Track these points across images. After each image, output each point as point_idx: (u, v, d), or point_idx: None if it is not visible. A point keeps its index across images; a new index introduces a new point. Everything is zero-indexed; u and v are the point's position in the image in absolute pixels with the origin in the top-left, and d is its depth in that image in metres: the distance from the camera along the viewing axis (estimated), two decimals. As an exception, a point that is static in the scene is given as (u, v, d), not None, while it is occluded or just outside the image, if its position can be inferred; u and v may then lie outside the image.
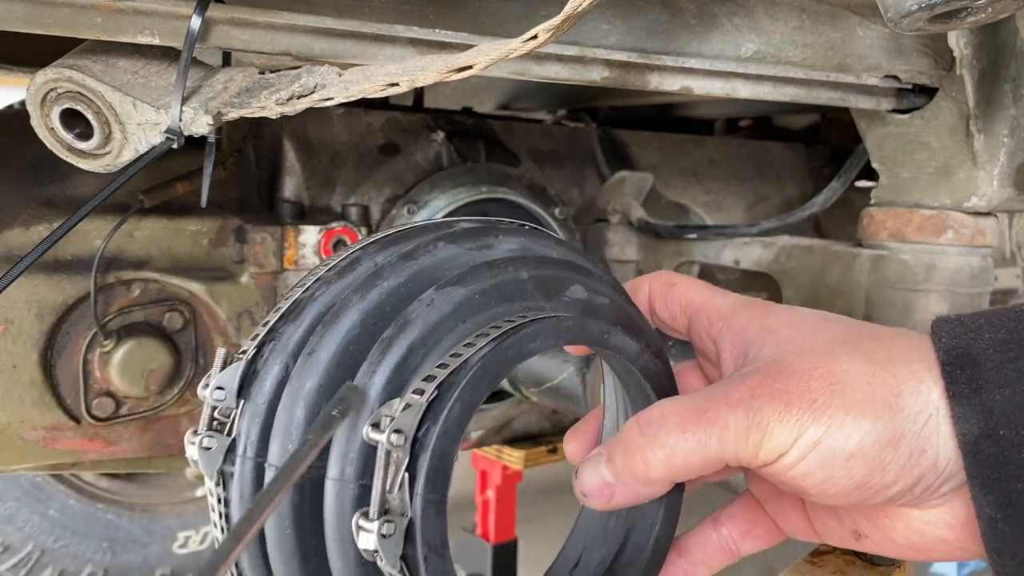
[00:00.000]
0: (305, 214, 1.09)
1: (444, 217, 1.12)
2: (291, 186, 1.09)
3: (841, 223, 1.60)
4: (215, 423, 0.43)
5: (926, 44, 0.91)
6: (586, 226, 1.32)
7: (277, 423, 0.41)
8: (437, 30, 0.68)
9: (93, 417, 0.94)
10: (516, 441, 1.36)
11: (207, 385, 0.43)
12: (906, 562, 0.75)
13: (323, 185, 1.11)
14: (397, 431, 0.38)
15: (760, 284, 1.43)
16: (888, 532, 0.47)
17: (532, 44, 0.54)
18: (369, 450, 0.39)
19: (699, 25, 0.81)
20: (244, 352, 0.44)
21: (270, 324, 0.45)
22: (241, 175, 1.06)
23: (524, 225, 0.51)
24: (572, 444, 0.56)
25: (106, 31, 0.59)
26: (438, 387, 0.40)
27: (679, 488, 0.52)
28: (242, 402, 0.43)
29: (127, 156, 0.66)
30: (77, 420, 0.94)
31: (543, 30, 0.53)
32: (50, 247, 0.67)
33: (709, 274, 1.35)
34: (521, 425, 1.33)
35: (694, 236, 1.20)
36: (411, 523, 0.38)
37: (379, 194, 1.14)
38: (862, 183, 1.33)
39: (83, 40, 0.66)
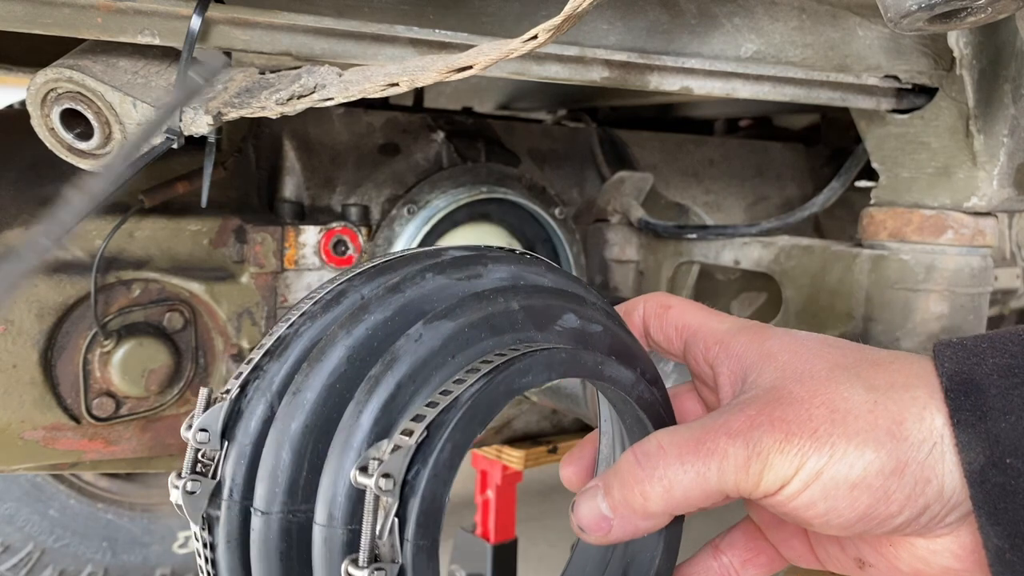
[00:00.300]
0: (305, 214, 1.09)
1: (444, 216, 1.13)
2: (291, 186, 1.09)
3: (841, 223, 1.60)
4: (199, 465, 0.42)
5: (926, 44, 0.91)
6: (586, 226, 1.32)
7: (263, 465, 0.40)
8: (437, 30, 0.68)
9: (93, 417, 0.94)
10: (516, 441, 1.36)
11: (190, 427, 0.42)
12: None
13: (323, 185, 1.11)
14: (386, 475, 0.37)
15: (760, 284, 1.43)
16: (892, 560, 0.46)
17: (532, 44, 0.54)
18: (357, 494, 0.38)
19: (699, 25, 0.81)
20: (227, 391, 0.43)
21: (254, 362, 0.43)
22: (241, 175, 1.06)
23: (514, 251, 0.50)
24: (568, 470, 0.55)
25: (106, 31, 0.59)
26: (428, 427, 0.38)
27: (679, 520, 0.50)
28: (226, 444, 0.41)
29: (127, 156, 0.66)
30: (77, 420, 0.94)
31: (543, 30, 0.53)
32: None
33: (709, 274, 1.35)
34: (521, 425, 1.33)
35: (694, 236, 1.20)
36: (402, 570, 0.37)
37: (379, 194, 1.14)
38: (862, 183, 1.33)
39: (83, 40, 0.66)
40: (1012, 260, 1.66)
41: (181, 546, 1.88)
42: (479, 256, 0.47)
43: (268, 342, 0.44)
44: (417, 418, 0.39)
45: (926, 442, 0.41)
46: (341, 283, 0.46)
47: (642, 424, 0.49)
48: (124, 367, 0.94)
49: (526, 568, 1.98)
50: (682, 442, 0.43)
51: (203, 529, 0.41)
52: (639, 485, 0.43)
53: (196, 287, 0.98)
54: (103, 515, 1.84)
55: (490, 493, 1.81)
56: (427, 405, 0.39)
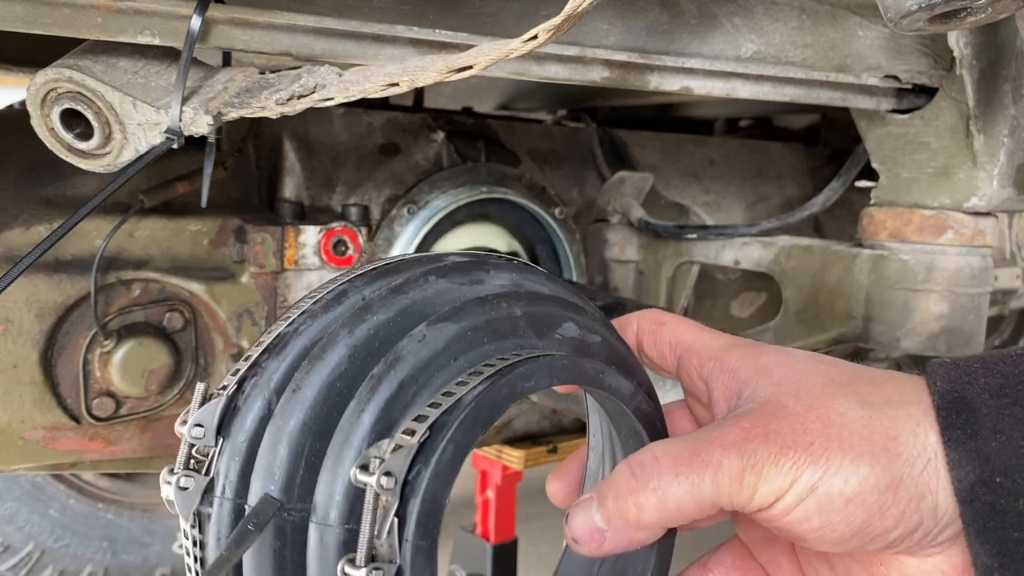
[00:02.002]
0: (305, 214, 1.09)
1: (444, 216, 1.13)
2: (291, 186, 1.09)
3: (841, 223, 1.60)
4: (192, 462, 0.41)
5: (926, 44, 0.91)
6: (586, 226, 1.32)
7: (259, 463, 0.39)
8: (437, 30, 0.68)
9: (93, 417, 0.94)
10: (516, 441, 1.36)
11: (185, 422, 0.41)
12: None
13: (323, 185, 1.11)
14: (387, 473, 0.36)
15: (760, 284, 1.43)
16: None
17: (532, 44, 0.54)
18: (356, 492, 0.38)
19: (699, 25, 0.81)
20: (224, 388, 0.42)
21: (252, 359, 0.43)
22: (241, 175, 1.06)
23: (513, 259, 0.50)
24: (555, 485, 0.54)
25: (106, 31, 0.59)
26: (430, 427, 0.38)
27: (671, 533, 0.50)
28: (221, 440, 0.41)
29: (127, 156, 0.66)
30: (77, 420, 0.94)
31: (543, 30, 0.53)
32: (50, 247, 0.67)
33: (709, 274, 1.35)
34: (521, 425, 1.33)
35: (694, 236, 1.20)
36: (400, 571, 0.37)
37: (379, 194, 1.14)
38: (862, 183, 1.33)
39: (83, 40, 0.66)
40: (1012, 260, 1.66)
41: (181, 546, 1.88)
42: (481, 262, 0.47)
43: (267, 340, 0.44)
44: (419, 418, 0.38)
45: (920, 458, 0.41)
46: (342, 284, 0.46)
47: (638, 436, 0.49)
48: (124, 367, 0.94)
49: (526, 568, 1.98)
50: (677, 454, 0.43)
51: (193, 527, 0.41)
52: (633, 496, 0.43)
53: (196, 287, 0.98)
54: (103, 515, 1.84)
55: (490, 493, 1.81)
56: (429, 406, 0.39)
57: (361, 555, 0.36)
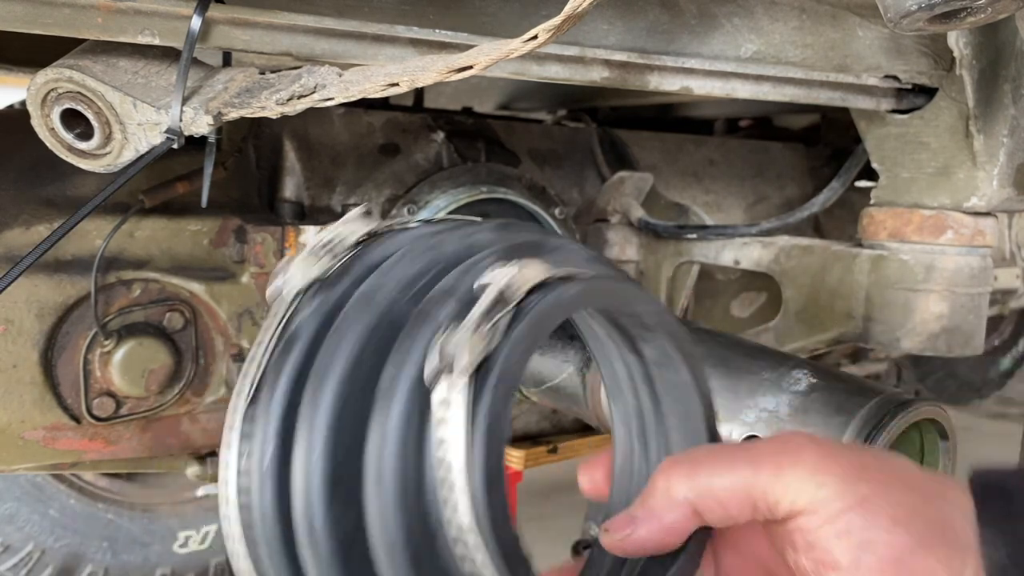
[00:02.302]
0: (305, 214, 1.09)
1: (443, 216, 1.13)
2: (291, 186, 1.09)
3: (841, 223, 1.60)
4: (326, 249, 0.43)
5: (926, 44, 0.91)
6: (586, 226, 1.32)
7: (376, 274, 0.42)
8: (437, 30, 0.68)
9: (93, 417, 0.94)
10: (516, 441, 1.36)
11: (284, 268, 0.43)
12: None
13: (323, 185, 1.11)
14: (515, 280, 0.38)
15: (760, 284, 1.43)
16: None
17: (532, 44, 0.54)
18: (473, 295, 0.39)
19: (699, 25, 0.81)
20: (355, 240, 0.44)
21: (358, 247, 0.45)
22: (241, 175, 1.06)
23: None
24: (585, 476, 0.53)
25: (106, 31, 0.59)
26: (550, 280, 0.41)
27: (698, 547, 0.48)
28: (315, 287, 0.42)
29: (127, 156, 0.66)
30: (77, 420, 0.94)
31: (543, 30, 0.53)
32: (50, 247, 0.67)
33: (709, 274, 1.35)
34: (521, 425, 1.33)
35: (694, 236, 1.20)
36: (496, 350, 0.37)
37: (379, 194, 1.14)
38: (862, 183, 1.33)
39: (83, 40, 0.66)
40: (1012, 260, 1.66)
41: (181, 546, 1.87)
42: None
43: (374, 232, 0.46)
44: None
45: (967, 515, 0.41)
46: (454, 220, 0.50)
47: (699, 439, 0.51)
48: (124, 367, 0.94)
49: (526, 568, 1.97)
50: (718, 446, 0.46)
51: (294, 299, 0.42)
52: (665, 471, 0.44)
53: (196, 287, 0.98)
54: (103, 515, 1.83)
55: (490, 493, 1.81)
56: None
57: (468, 323, 0.37)
